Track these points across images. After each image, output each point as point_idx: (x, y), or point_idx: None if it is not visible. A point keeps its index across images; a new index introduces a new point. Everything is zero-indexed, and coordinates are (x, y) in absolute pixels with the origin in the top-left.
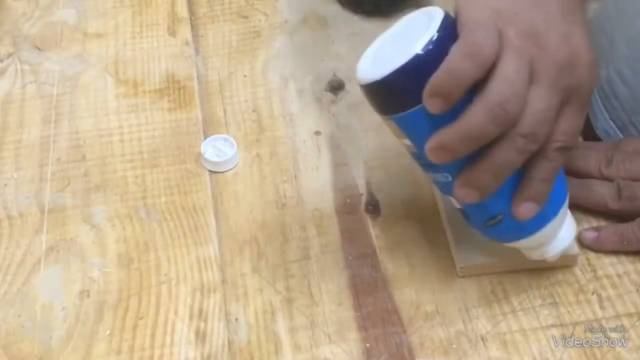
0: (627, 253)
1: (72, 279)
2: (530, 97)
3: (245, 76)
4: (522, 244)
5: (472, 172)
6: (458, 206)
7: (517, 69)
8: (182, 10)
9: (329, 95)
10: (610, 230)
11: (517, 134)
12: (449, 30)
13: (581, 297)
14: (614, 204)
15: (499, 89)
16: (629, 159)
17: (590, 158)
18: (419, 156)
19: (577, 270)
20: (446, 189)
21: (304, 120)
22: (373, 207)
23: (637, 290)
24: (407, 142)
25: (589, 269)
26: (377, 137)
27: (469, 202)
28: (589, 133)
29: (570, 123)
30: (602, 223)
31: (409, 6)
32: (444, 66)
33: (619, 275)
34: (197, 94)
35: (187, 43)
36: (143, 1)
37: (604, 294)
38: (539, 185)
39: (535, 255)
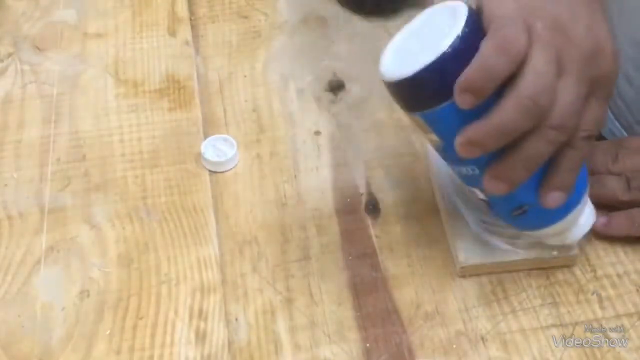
0: (627, 253)
1: (72, 279)
2: (559, 89)
3: (245, 76)
4: (545, 232)
5: (502, 165)
6: (482, 197)
7: (547, 62)
8: (182, 10)
9: (329, 95)
10: (621, 216)
11: (548, 127)
12: (476, 26)
13: (581, 297)
14: (624, 195)
15: (530, 82)
16: (634, 154)
17: (596, 156)
18: (446, 150)
19: (577, 270)
20: (472, 181)
21: (304, 120)
22: (373, 207)
23: (637, 290)
24: (434, 137)
25: (589, 269)
26: (377, 137)
27: (499, 193)
28: None
29: (595, 112)
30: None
31: (409, 6)
32: (477, 62)
33: (619, 275)
34: (197, 94)
35: (187, 43)
36: (143, 1)
37: (604, 294)
38: (567, 174)
39: (554, 241)
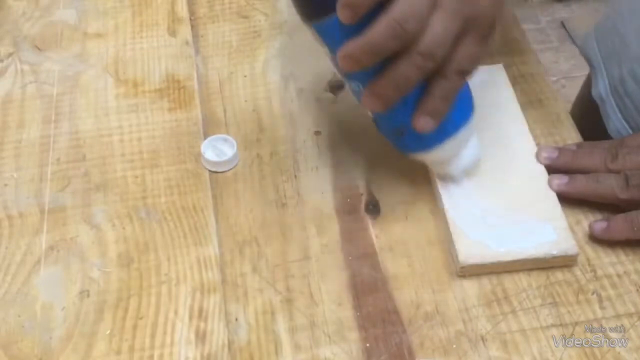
0: (627, 253)
1: (72, 278)
2: (431, 20)
3: (245, 76)
4: (425, 157)
5: (377, 83)
6: (370, 115)
7: None
8: (182, 10)
9: (329, 95)
10: (619, 219)
11: (416, 52)
12: None
13: (581, 297)
14: (622, 194)
15: (400, 7)
16: (634, 151)
17: (595, 155)
18: (337, 65)
19: (577, 270)
20: (359, 97)
21: (304, 120)
22: (373, 207)
23: (637, 290)
24: (327, 50)
25: (589, 269)
26: (377, 137)
27: (374, 110)
28: (602, 133)
29: (468, 49)
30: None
31: None
32: None
33: (619, 275)
34: (197, 93)
35: (187, 43)
36: (143, 1)
37: (604, 294)
38: (437, 101)
39: (441, 170)
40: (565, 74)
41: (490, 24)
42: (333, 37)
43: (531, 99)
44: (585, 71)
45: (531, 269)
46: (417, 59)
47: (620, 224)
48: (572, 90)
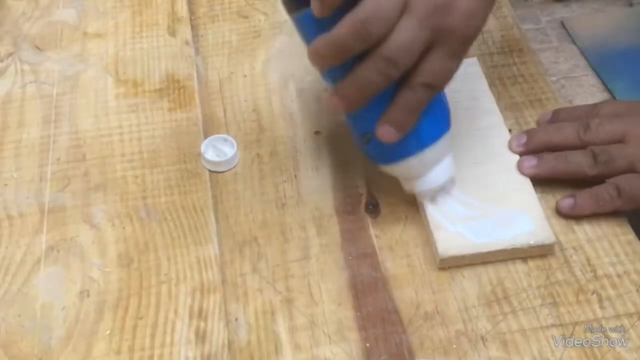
0: (627, 253)
1: (72, 278)
2: (399, 25)
3: (245, 76)
4: (390, 170)
5: (341, 84)
6: (345, 117)
7: None
8: (182, 10)
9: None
10: (585, 195)
11: (378, 55)
12: None
13: (581, 297)
14: (591, 170)
15: (367, 7)
16: (607, 121)
17: (566, 129)
18: None
19: (577, 270)
20: None
21: (304, 120)
22: (373, 207)
23: (637, 290)
24: (306, 45)
25: (589, 269)
26: None
27: (338, 111)
28: None
29: (436, 63)
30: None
31: None
32: None
33: (619, 275)
34: (197, 94)
35: (187, 43)
36: (143, 1)
37: (604, 294)
38: (400, 112)
39: (407, 187)
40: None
41: (463, 40)
42: (308, 31)
43: (531, 99)
44: (585, 71)
45: (511, 259)
46: (380, 63)
47: (587, 200)
48: (572, 90)
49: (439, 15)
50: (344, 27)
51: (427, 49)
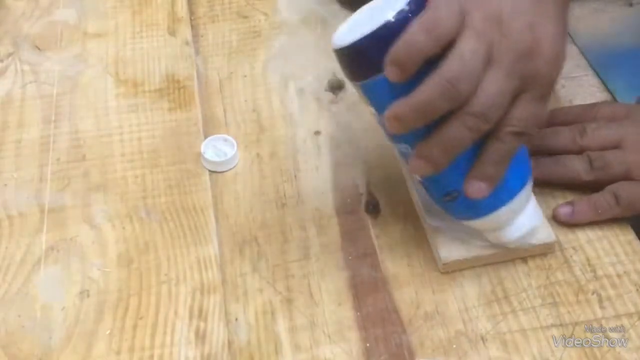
0: (627, 253)
1: (72, 279)
2: (484, 79)
3: (245, 76)
4: (477, 224)
5: (425, 145)
6: (419, 179)
7: (473, 49)
8: (182, 10)
9: (329, 95)
10: (583, 203)
11: (468, 113)
12: (420, 5)
13: (581, 297)
14: (587, 176)
15: (451, 66)
16: (604, 126)
17: (562, 133)
18: (383, 125)
19: (577, 270)
20: (407, 160)
21: (304, 120)
22: (373, 207)
23: (637, 290)
24: (372, 109)
25: (589, 269)
26: (377, 137)
27: (422, 174)
28: None
29: (525, 110)
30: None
31: None
32: (403, 37)
33: (619, 275)
34: (197, 94)
35: (187, 43)
36: (143, 1)
37: (604, 294)
38: (490, 166)
39: (492, 237)
40: (565, 74)
41: (549, 83)
42: (380, 96)
43: None
44: (585, 71)
45: (512, 260)
46: (469, 120)
47: (585, 208)
48: (572, 90)
49: (524, 63)
50: (430, 88)
51: (514, 98)
